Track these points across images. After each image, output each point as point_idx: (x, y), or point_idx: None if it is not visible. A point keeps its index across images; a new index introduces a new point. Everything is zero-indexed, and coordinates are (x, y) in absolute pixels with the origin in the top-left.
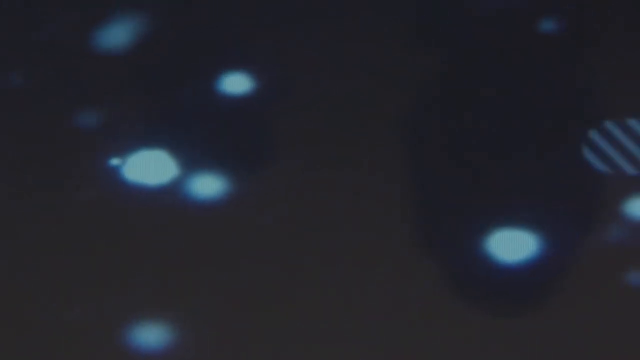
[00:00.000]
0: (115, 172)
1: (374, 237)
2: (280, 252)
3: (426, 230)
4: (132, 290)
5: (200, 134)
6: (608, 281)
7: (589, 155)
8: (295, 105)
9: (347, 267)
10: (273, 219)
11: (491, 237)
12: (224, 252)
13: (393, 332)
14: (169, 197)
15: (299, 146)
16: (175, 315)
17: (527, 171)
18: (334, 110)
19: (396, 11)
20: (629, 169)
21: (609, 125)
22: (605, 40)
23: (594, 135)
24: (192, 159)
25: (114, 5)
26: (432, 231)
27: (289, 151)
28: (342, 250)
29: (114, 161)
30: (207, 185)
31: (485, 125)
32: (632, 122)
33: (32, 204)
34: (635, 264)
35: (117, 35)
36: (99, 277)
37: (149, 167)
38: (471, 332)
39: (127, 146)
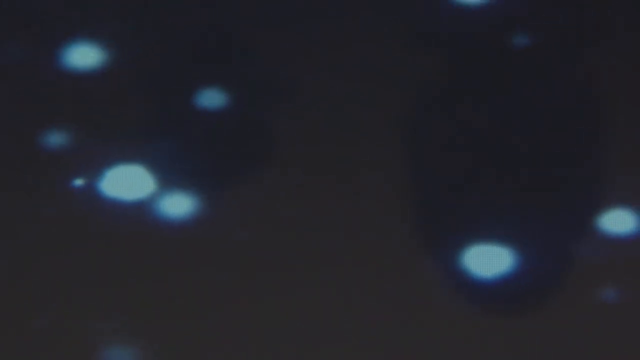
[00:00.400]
0: (86, 189)
1: (373, 238)
2: (271, 260)
3: (426, 231)
4: (103, 307)
5: (177, 149)
6: (583, 297)
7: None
8: (295, 106)
9: (345, 268)
10: (282, 215)
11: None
12: (202, 268)
13: (393, 333)
14: (145, 213)
15: (298, 147)
16: (146, 335)
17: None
18: (333, 111)
19: (396, 11)
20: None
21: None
22: (605, 40)
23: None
24: (169, 175)
25: (80, 24)
26: (431, 231)
27: (288, 152)
28: (342, 251)
29: (78, 181)
30: (182, 203)
31: (485, 125)
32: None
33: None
34: (610, 280)
35: (87, 53)
36: (67, 292)
37: (124, 183)
38: (470, 332)
39: (101, 163)
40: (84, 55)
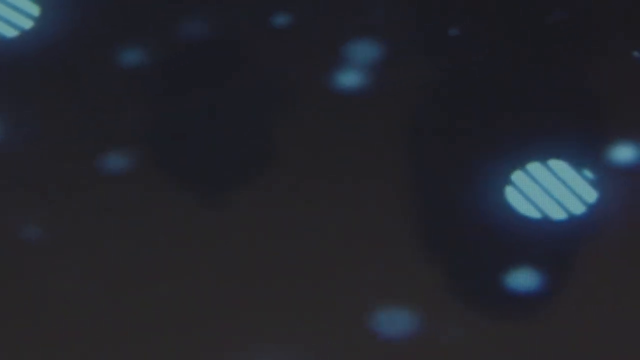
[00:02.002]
0: None
1: (373, 238)
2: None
3: (425, 230)
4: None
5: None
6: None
7: None
8: (295, 105)
9: (344, 268)
10: (282, 216)
11: None
12: (201, 268)
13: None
14: None
15: (298, 148)
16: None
17: None
18: (333, 111)
19: (396, 11)
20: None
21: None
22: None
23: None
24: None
25: None
26: (431, 231)
27: (288, 152)
28: (340, 252)
29: None
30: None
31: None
32: (555, 163)
33: None
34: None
35: None
36: None
37: None
38: (469, 332)
39: None
40: None
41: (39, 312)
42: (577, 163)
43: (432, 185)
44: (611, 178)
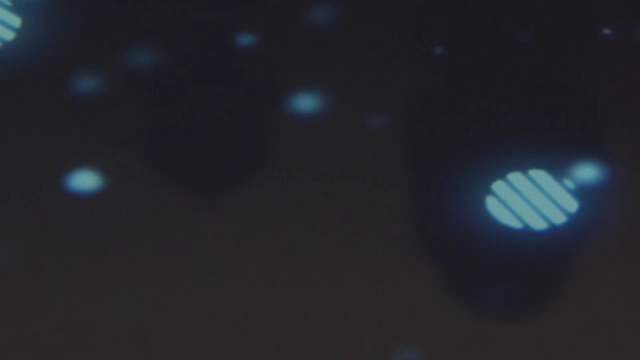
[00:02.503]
0: None
1: (373, 238)
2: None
3: (425, 230)
4: None
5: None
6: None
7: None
8: (294, 106)
9: (344, 269)
10: (281, 216)
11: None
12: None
13: (392, 334)
14: None
15: (298, 148)
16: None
17: None
18: (333, 110)
19: (396, 12)
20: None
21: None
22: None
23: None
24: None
25: None
26: (430, 231)
27: (288, 153)
28: (340, 252)
29: None
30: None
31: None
32: (536, 173)
33: None
34: None
35: None
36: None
37: None
38: (467, 332)
39: None
40: None
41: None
42: (558, 173)
43: (414, 196)
44: (591, 188)
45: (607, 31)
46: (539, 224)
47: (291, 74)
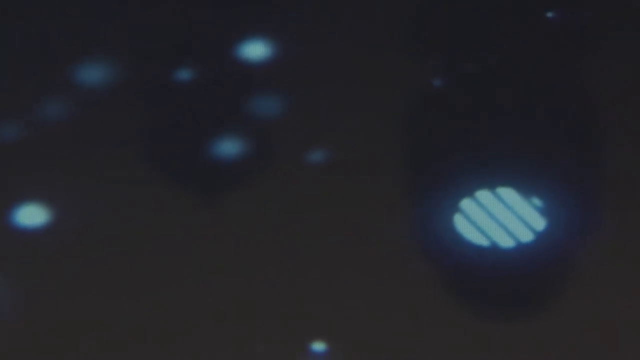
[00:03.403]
0: None
1: (373, 238)
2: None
3: (424, 230)
4: None
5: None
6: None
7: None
8: (294, 106)
9: (344, 269)
10: (282, 216)
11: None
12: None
13: (392, 334)
14: None
15: (297, 148)
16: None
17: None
18: (333, 110)
19: (395, 12)
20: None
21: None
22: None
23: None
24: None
25: None
26: (430, 230)
27: (288, 153)
28: (339, 252)
29: None
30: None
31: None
32: (503, 191)
33: None
34: None
35: None
36: None
37: None
38: (467, 332)
39: None
40: None
41: None
42: (526, 191)
43: (381, 214)
44: (559, 206)
45: (549, 14)
46: (506, 242)
47: (291, 73)
